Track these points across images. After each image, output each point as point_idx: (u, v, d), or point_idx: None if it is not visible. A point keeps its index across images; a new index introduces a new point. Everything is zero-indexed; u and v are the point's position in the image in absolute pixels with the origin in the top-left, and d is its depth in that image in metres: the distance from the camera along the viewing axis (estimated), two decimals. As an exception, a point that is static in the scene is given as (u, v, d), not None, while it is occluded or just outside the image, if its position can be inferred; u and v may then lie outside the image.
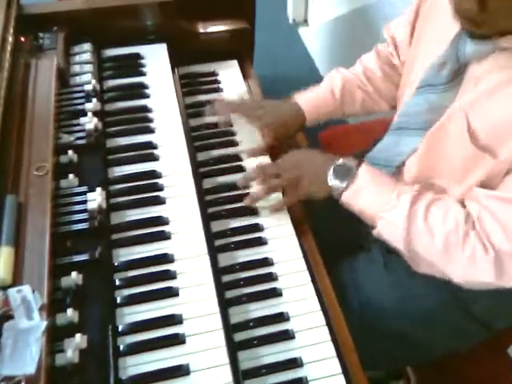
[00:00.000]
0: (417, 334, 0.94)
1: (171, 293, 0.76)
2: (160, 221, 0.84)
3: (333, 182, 0.84)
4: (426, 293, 0.91)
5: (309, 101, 1.04)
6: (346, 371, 0.74)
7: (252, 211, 0.91)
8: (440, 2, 0.84)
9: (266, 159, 1.00)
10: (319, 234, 0.92)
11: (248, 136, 1.03)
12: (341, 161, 0.85)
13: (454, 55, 0.78)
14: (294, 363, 0.74)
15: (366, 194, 0.82)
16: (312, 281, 0.83)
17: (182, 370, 0.69)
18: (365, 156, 1.09)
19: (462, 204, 0.79)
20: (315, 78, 1.10)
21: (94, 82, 0.98)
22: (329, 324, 0.78)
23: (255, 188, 0.92)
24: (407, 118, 0.89)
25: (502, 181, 0.75)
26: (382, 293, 0.95)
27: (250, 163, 0.99)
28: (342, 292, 0.92)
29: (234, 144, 1.02)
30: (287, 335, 0.77)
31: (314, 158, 0.90)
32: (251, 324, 0.78)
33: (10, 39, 0.96)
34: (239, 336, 0.77)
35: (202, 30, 1.18)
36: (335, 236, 1.03)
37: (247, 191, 0.93)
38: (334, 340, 0.77)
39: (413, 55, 0.94)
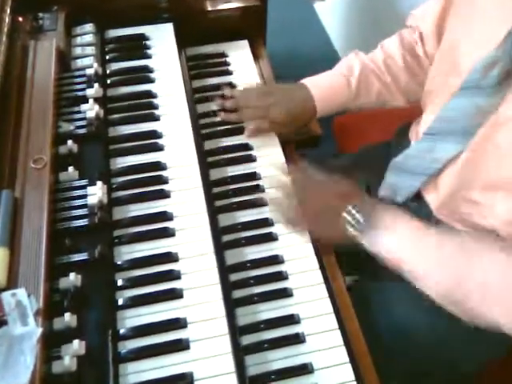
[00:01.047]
0: (448, 349, 0.87)
1: (175, 295, 0.72)
2: (164, 216, 0.79)
3: (349, 230, 0.74)
4: None
5: (322, 92, 0.96)
6: (359, 377, 0.70)
7: (262, 204, 0.86)
8: None
9: (274, 141, 0.95)
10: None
11: (256, 123, 0.98)
12: (354, 211, 0.73)
13: (508, 54, 0.68)
14: (305, 369, 0.71)
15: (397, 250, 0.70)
16: (324, 281, 0.78)
17: (185, 379, 0.65)
18: (384, 151, 1.03)
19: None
20: (331, 55, 1.04)
21: (96, 65, 0.93)
22: (342, 327, 0.74)
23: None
24: (448, 123, 0.79)
25: None
26: (414, 312, 0.86)
27: (261, 152, 0.93)
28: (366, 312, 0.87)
29: (243, 131, 0.97)
30: (297, 339, 0.73)
31: (332, 192, 0.78)
32: (260, 326, 0.74)
33: (7, 19, 0.91)
34: (247, 339, 0.73)
35: (210, 8, 1.11)
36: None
37: (257, 183, 0.89)
38: (347, 344, 0.73)
39: (449, 53, 0.83)
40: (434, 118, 0.82)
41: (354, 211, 0.73)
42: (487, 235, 0.72)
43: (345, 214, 0.73)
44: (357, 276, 1.09)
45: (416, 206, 0.89)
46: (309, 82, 0.97)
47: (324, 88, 0.96)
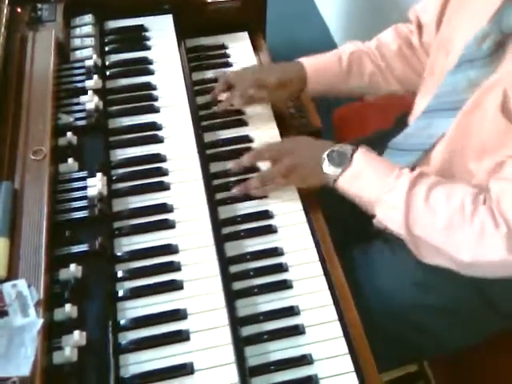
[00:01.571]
0: (433, 324, 0.90)
1: (175, 286, 0.72)
2: (164, 208, 0.79)
3: (327, 168, 0.81)
4: (440, 279, 0.86)
5: (313, 62, 0.99)
6: (358, 369, 0.71)
7: (262, 196, 0.86)
8: None
9: (274, 132, 0.95)
10: (329, 220, 0.87)
11: (258, 114, 0.98)
12: (336, 147, 0.82)
13: (497, 26, 0.72)
14: (304, 360, 0.71)
15: (363, 178, 0.79)
16: (324, 272, 0.78)
17: (185, 369, 0.66)
18: (383, 138, 1.04)
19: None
20: (330, 47, 1.05)
21: (95, 57, 0.93)
22: (341, 319, 0.74)
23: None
24: (441, 99, 0.82)
25: None
26: (400, 285, 0.90)
27: (260, 144, 0.93)
28: (354, 282, 0.87)
29: (243, 123, 0.97)
30: (297, 330, 0.73)
31: (309, 144, 0.87)
32: (260, 318, 0.74)
33: (6, 10, 0.91)
34: (247, 330, 0.73)
35: (210, 0, 1.11)
36: (346, 222, 0.98)
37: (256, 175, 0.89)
38: (347, 336, 0.73)
39: (446, 37, 0.87)
40: (432, 97, 0.84)
41: (330, 153, 0.81)
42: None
43: (324, 156, 0.81)
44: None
45: None
46: (303, 59, 1.00)
47: (316, 62, 0.99)
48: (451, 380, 1.00)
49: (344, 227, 0.95)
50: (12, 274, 0.64)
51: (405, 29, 1.00)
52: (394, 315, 0.90)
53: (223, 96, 0.98)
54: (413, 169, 0.87)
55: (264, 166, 0.89)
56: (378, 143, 1.04)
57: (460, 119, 0.77)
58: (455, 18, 0.85)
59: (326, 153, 0.81)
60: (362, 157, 0.80)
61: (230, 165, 0.88)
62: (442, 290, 0.88)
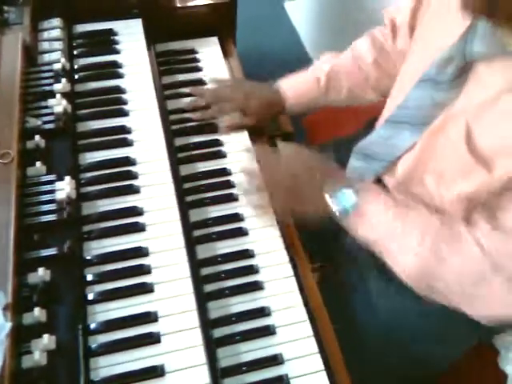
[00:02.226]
0: (438, 355, 0.90)
1: (146, 289, 0.72)
2: (134, 211, 0.79)
3: (331, 203, 0.77)
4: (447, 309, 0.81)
5: (291, 86, 0.99)
6: (328, 367, 0.72)
7: (232, 199, 0.87)
8: None
9: (244, 136, 0.96)
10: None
11: (230, 119, 0.99)
12: (338, 186, 0.78)
13: (461, 51, 0.70)
14: (275, 360, 0.72)
15: (369, 223, 0.76)
16: (294, 274, 0.80)
17: (156, 371, 0.66)
18: (352, 141, 1.05)
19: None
20: (301, 54, 1.06)
21: (63, 60, 0.92)
22: (311, 319, 0.76)
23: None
24: (406, 111, 0.82)
25: (501, 206, 0.68)
26: (400, 315, 0.89)
27: (231, 148, 0.94)
28: (354, 315, 0.89)
29: (214, 128, 0.97)
30: (268, 331, 0.74)
31: (313, 168, 0.82)
32: (231, 319, 0.75)
33: (-29, 13, 0.89)
34: (219, 332, 0.74)
35: (179, 4, 1.11)
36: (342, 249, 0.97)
37: (227, 178, 0.90)
38: (317, 336, 0.74)
39: (415, 44, 0.87)
40: (397, 106, 0.84)
41: (337, 191, 0.77)
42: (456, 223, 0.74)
43: (328, 193, 0.77)
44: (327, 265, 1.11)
45: None
46: (281, 82, 1.00)
47: (294, 87, 0.99)
48: None
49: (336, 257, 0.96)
50: (-21, 279, 0.63)
51: (380, 35, 0.99)
52: (395, 346, 0.89)
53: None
54: (378, 179, 0.88)
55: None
56: (347, 147, 1.06)
57: (425, 138, 0.77)
58: (427, 27, 0.84)
59: (329, 190, 0.78)
60: (367, 198, 0.77)
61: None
62: (444, 318, 0.84)
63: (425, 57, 0.79)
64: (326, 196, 0.77)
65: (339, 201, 0.77)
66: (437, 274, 0.72)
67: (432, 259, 0.71)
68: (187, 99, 1.01)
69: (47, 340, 0.63)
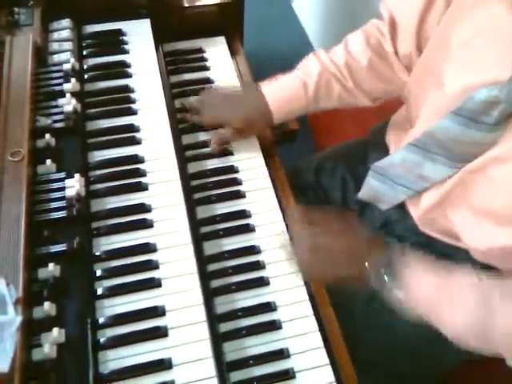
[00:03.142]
0: (431, 350, 0.89)
1: (154, 284, 0.73)
2: (142, 208, 0.80)
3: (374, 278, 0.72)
4: None
5: (277, 98, 0.91)
6: (333, 362, 0.73)
7: (239, 196, 0.88)
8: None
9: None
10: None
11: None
12: (380, 260, 0.72)
13: (510, 97, 0.62)
14: (281, 354, 0.73)
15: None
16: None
17: (164, 364, 0.67)
18: (362, 148, 1.04)
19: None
20: (308, 53, 1.03)
21: (73, 60, 0.94)
22: (317, 314, 0.76)
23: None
24: (432, 140, 0.74)
25: None
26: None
27: (237, 146, 0.95)
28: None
29: (221, 126, 0.98)
30: (274, 325, 0.75)
31: (352, 241, 0.77)
32: (237, 314, 0.76)
33: (-17, 15, 0.91)
34: (225, 326, 0.75)
35: (187, 4, 1.12)
36: None
37: (234, 176, 0.91)
38: (322, 330, 0.75)
39: (435, 62, 0.76)
40: (422, 132, 0.76)
41: (380, 267, 0.72)
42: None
43: (370, 269, 0.72)
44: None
45: (398, 215, 0.90)
46: (264, 88, 0.93)
47: (280, 94, 0.92)
48: None
49: None
50: (-10, 274, 0.65)
51: (376, 32, 0.89)
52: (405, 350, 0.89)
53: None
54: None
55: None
56: (358, 154, 1.04)
57: (461, 175, 0.72)
58: (453, 34, 0.72)
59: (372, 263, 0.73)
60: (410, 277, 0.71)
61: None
62: None
63: (457, 82, 0.70)
64: (368, 269, 0.73)
65: (378, 273, 0.72)
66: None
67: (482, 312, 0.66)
68: (195, 98, 1.02)
69: (57, 333, 0.64)
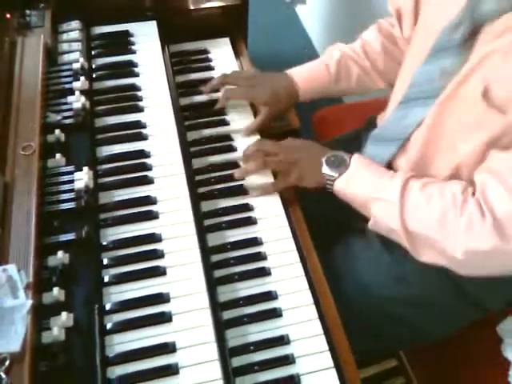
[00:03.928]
0: (409, 315, 0.94)
1: (159, 272, 0.76)
2: (148, 200, 0.83)
3: (326, 170, 0.86)
4: (417, 273, 0.90)
5: (302, 75, 1.03)
6: (332, 348, 0.75)
7: (242, 191, 0.91)
8: None
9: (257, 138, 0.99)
10: (311, 214, 0.91)
11: (239, 115, 1.03)
12: (334, 152, 0.87)
13: (469, 15, 0.75)
14: (282, 341, 0.75)
15: (359, 180, 0.84)
16: (301, 260, 0.83)
17: (168, 348, 0.69)
18: (360, 135, 1.08)
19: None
20: (312, 58, 1.09)
21: (82, 60, 0.97)
22: (316, 302, 0.78)
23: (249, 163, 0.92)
24: (416, 89, 0.85)
25: None
26: (378, 278, 0.94)
27: (241, 143, 0.98)
28: (333, 273, 0.92)
29: (225, 123, 1.01)
30: (275, 313, 0.77)
31: (311, 146, 0.92)
32: (240, 302, 0.78)
33: (-4, 17, 0.95)
34: (227, 314, 0.77)
35: (192, 7, 1.16)
36: (328, 216, 1.02)
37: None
38: (322, 318, 0.77)
39: (419, 28, 0.91)
40: (408, 86, 0.87)
41: (329, 156, 0.87)
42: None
43: (323, 159, 0.86)
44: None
45: None
46: (291, 70, 1.04)
47: (305, 72, 1.04)
48: (430, 373, 1.03)
49: (325, 223, 0.99)
50: (3, 260, 0.68)
51: (386, 24, 1.04)
52: (372, 307, 0.93)
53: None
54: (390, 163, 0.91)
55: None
56: (352, 142, 1.09)
57: (436, 109, 0.80)
58: (431, 4, 0.88)
59: (325, 156, 0.87)
60: (359, 160, 0.86)
61: (235, 173, 0.92)
62: (418, 283, 0.92)
63: (430, 34, 0.83)
64: (321, 160, 0.86)
65: (332, 163, 0.86)
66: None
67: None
68: (200, 97, 1.05)
69: (65, 317, 0.67)
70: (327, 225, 1.01)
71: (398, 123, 0.89)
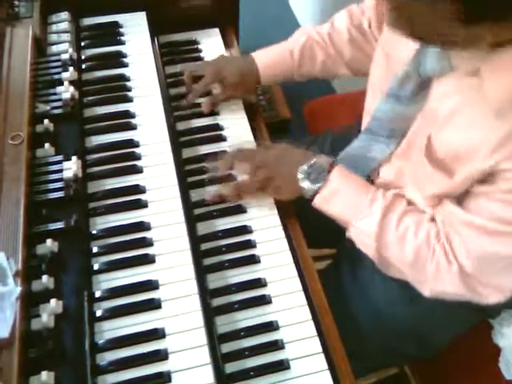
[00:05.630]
0: (419, 329, 0.93)
1: (147, 259, 0.76)
2: (137, 189, 0.84)
3: (304, 184, 0.82)
4: None
5: (265, 60, 1.03)
6: (321, 333, 0.76)
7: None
8: None
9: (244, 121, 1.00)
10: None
11: (229, 106, 1.03)
12: (312, 161, 0.82)
13: (416, 69, 0.74)
14: (270, 326, 0.76)
15: (338, 199, 0.81)
16: (290, 248, 0.83)
17: (157, 334, 0.70)
18: (346, 136, 1.08)
19: (433, 219, 0.78)
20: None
21: (71, 50, 0.97)
22: (305, 289, 0.79)
23: (220, 187, 0.88)
24: (377, 123, 0.86)
25: (473, 203, 0.72)
26: (385, 293, 0.92)
27: (231, 132, 0.98)
28: (346, 300, 0.93)
29: (215, 113, 1.02)
30: (264, 300, 0.78)
31: (288, 156, 0.86)
32: (229, 289, 0.79)
33: (-16, 7, 0.95)
34: (217, 301, 0.78)
35: (182, -3, 1.16)
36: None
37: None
38: (310, 304, 0.78)
39: (379, 52, 0.88)
40: (371, 117, 0.87)
41: (307, 168, 0.82)
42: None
43: (300, 171, 0.82)
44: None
45: None
46: (255, 53, 1.04)
47: (267, 59, 1.03)
48: (431, 379, 1.03)
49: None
50: (-9, 248, 0.68)
51: (358, 11, 1.01)
52: (383, 325, 0.92)
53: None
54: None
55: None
56: (342, 141, 1.08)
57: (399, 152, 0.83)
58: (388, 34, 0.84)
59: (303, 168, 0.82)
60: (338, 175, 0.81)
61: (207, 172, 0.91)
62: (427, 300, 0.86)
63: (389, 68, 0.82)
64: (299, 173, 0.82)
65: (310, 177, 0.82)
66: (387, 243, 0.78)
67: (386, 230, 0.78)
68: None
69: (55, 304, 0.67)
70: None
71: (361, 153, 0.89)
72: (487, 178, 0.68)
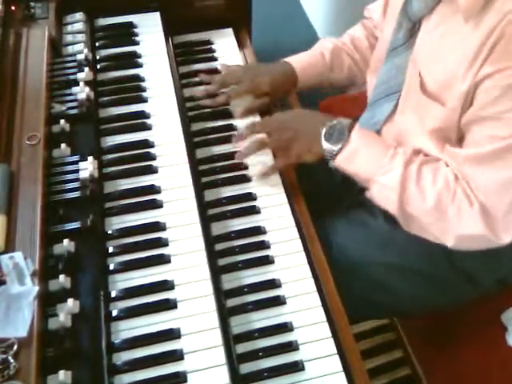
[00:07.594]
0: (401, 285, 0.94)
1: (163, 260, 0.77)
2: (152, 189, 0.84)
3: (326, 145, 0.85)
4: (409, 241, 0.89)
5: (301, 62, 1.06)
6: (335, 335, 0.75)
7: (245, 180, 0.91)
8: None
9: (257, 119, 1.00)
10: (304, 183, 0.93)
11: (243, 106, 1.03)
12: (334, 122, 0.85)
13: (406, 15, 0.82)
14: (285, 327, 0.75)
15: (360, 157, 0.84)
16: (304, 249, 0.83)
17: (173, 334, 0.70)
18: None
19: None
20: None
21: (86, 51, 0.98)
22: (320, 290, 0.79)
23: (246, 143, 0.92)
24: (382, 87, 0.91)
25: (469, 137, 0.77)
26: (366, 241, 0.94)
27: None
28: (334, 245, 0.93)
29: (228, 114, 1.02)
30: (279, 301, 0.78)
31: (307, 118, 0.91)
32: (244, 290, 0.79)
33: (0, 8, 0.95)
34: (232, 302, 0.78)
35: (196, -2, 1.16)
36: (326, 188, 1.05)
37: (241, 160, 0.93)
38: (325, 305, 0.78)
39: (381, 39, 0.97)
40: (373, 90, 0.93)
41: (329, 128, 0.85)
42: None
43: (322, 132, 0.85)
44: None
45: None
46: (289, 58, 1.07)
47: (303, 61, 1.07)
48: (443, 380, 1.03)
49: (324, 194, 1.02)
50: (9, 248, 0.69)
51: (369, 23, 1.09)
52: (356, 272, 0.93)
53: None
54: None
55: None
56: None
57: (399, 104, 0.87)
58: (390, 12, 0.94)
59: (324, 129, 0.85)
60: (359, 135, 0.84)
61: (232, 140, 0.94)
62: (408, 249, 0.92)
63: (385, 42, 0.90)
64: (320, 134, 0.85)
65: (331, 137, 0.85)
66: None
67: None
68: (203, 87, 1.05)
69: (72, 304, 0.68)
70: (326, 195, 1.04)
71: (366, 124, 0.92)
72: (472, 100, 0.74)
